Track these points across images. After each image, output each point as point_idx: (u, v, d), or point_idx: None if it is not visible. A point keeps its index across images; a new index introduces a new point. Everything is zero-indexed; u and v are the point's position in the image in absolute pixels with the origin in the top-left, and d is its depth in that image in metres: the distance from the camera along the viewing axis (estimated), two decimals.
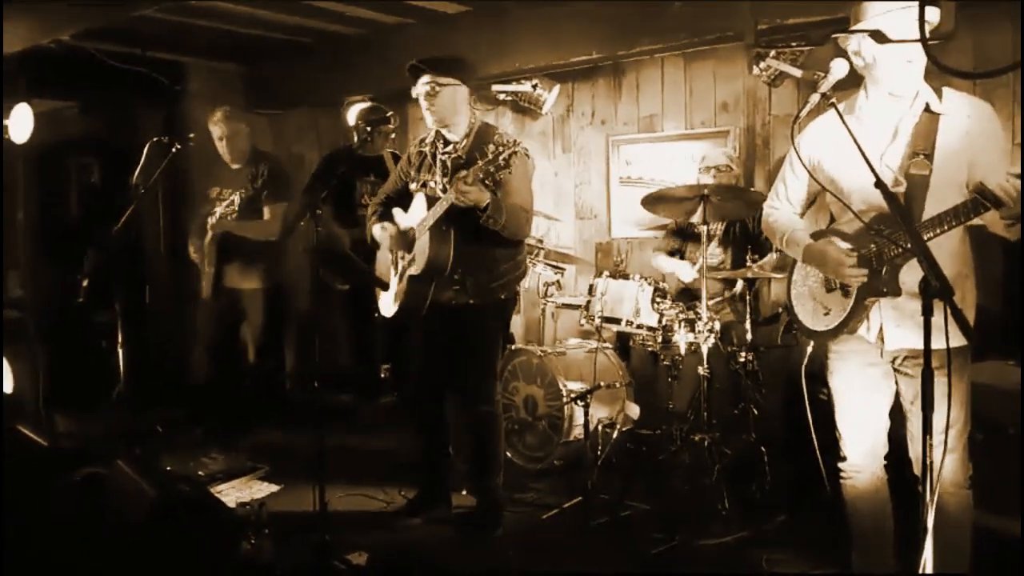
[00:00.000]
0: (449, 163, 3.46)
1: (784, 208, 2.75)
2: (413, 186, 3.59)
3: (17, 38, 4.59)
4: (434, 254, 3.35)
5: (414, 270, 3.43)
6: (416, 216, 3.48)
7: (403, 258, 3.51)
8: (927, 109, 2.40)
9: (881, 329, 2.47)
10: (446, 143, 3.50)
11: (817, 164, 2.56)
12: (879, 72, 2.41)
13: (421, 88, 3.38)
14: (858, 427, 2.61)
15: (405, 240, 3.50)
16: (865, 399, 2.59)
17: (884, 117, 2.45)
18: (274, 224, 4.67)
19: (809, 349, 2.67)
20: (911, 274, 2.35)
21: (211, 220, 4.61)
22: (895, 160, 2.41)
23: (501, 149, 3.08)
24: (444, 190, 3.41)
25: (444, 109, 3.39)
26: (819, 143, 2.57)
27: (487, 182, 3.15)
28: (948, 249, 2.37)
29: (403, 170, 3.70)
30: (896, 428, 2.60)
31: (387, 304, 3.63)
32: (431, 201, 3.39)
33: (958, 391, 2.36)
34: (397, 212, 3.62)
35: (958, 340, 1.95)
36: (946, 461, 2.31)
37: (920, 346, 1.94)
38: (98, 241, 4.05)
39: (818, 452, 2.68)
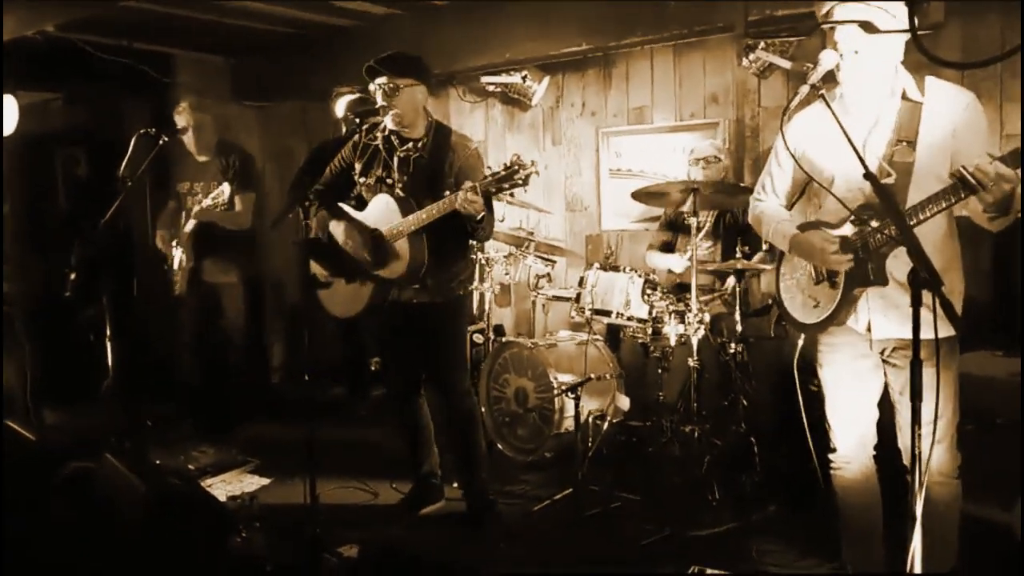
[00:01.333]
0: (412, 163, 3.42)
1: (770, 200, 2.76)
2: (363, 179, 3.52)
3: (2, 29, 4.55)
4: (413, 259, 3.31)
5: (388, 273, 3.38)
6: (380, 216, 3.39)
7: (367, 259, 3.42)
8: (905, 97, 2.41)
9: (869, 320, 2.48)
10: (403, 140, 3.45)
11: (803, 154, 2.56)
12: (842, 63, 2.40)
13: (379, 88, 3.34)
14: (848, 418, 2.62)
15: (372, 241, 3.40)
16: (854, 390, 2.60)
17: (865, 106, 2.45)
18: (245, 215, 4.71)
19: (800, 342, 2.69)
20: (897, 264, 2.36)
21: (196, 208, 4.57)
22: (878, 149, 2.41)
23: (517, 168, 2.98)
24: (406, 189, 3.38)
25: (403, 109, 3.36)
26: (804, 133, 2.58)
27: (493, 190, 3.07)
28: (934, 240, 2.37)
29: (345, 158, 3.60)
30: (885, 419, 2.62)
31: (344, 303, 3.56)
32: (402, 203, 3.33)
33: (946, 381, 2.37)
34: (348, 208, 3.53)
35: (946, 330, 1.96)
36: (935, 451, 2.32)
37: (908, 336, 1.94)
38: (85, 234, 4.02)
39: (811, 444, 2.69)
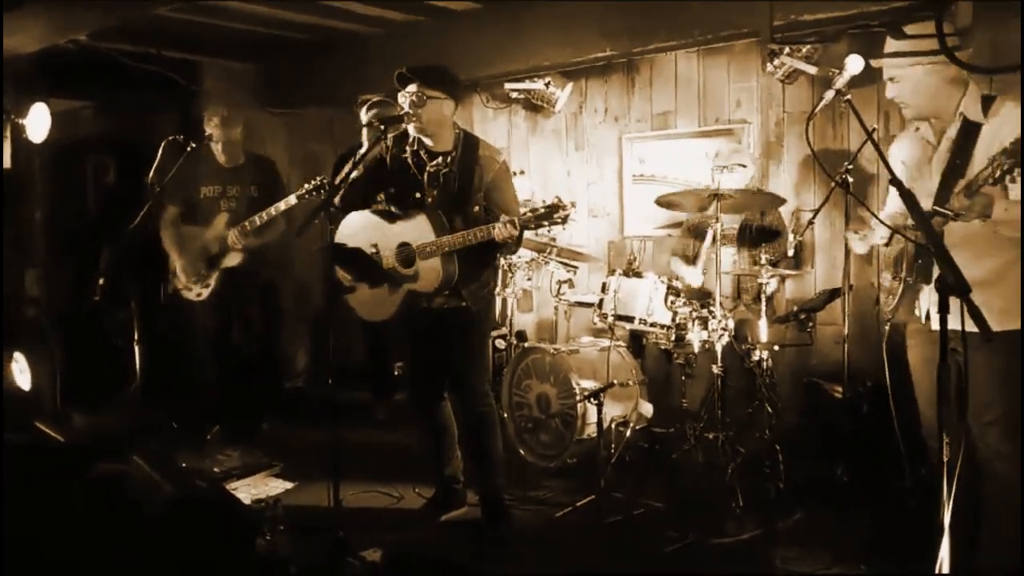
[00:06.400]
0: (441, 177, 3.45)
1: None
2: (392, 191, 3.54)
3: (34, 38, 4.62)
4: (446, 274, 3.38)
5: (419, 287, 3.44)
6: (411, 230, 3.43)
7: (399, 271, 3.48)
8: (966, 120, 2.49)
9: (928, 310, 2.63)
10: (431, 155, 3.48)
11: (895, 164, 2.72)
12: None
13: (406, 97, 3.37)
14: (929, 399, 2.73)
15: (403, 253, 3.47)
16: (928, 374, 2.70)
17: (933, 129, 2.61)
18: (280, 222, 4.62)
19: (886, 329, 2.91)
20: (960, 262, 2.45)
21: (291, 199, 4.32)
22: (937, 172, 2.54)
23: (557, 208, 3.14)
24: (435, 204, 3.42)
25: (429, 120, 3.39)
26: (897, 155, 2.79)
27: (531, 226, 3.23)
28: (981, 245, 2.46)
29: (372, 165, 3.60)
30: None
31: (373, 307, 3.62)
32: (435, 220, 3.37)
33: (1002, 372, 2.52)
34: (378, 217, 3.57)
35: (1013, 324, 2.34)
36: (993, 432, 2.55)
37: (959, 327, 2.06)
38: (114, 239, 4.07)
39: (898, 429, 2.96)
